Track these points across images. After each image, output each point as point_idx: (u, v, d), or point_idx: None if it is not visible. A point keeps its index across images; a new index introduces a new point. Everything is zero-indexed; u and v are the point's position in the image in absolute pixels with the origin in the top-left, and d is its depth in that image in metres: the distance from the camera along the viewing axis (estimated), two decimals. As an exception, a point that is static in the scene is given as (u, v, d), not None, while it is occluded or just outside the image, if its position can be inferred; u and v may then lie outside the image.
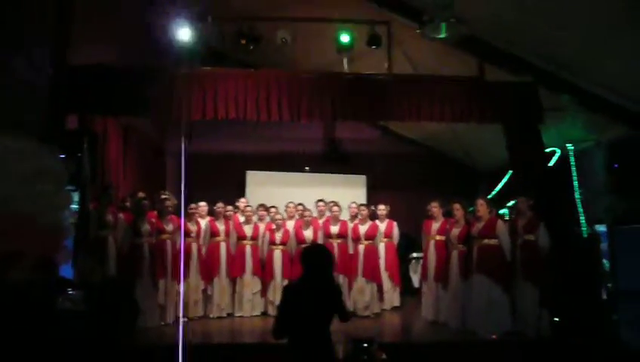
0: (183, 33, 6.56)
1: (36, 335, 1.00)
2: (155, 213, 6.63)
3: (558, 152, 7.80)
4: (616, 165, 7.08)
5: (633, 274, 6.96)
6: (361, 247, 7.17)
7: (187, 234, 6.87)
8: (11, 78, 5.08)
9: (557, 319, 5.78)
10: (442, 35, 4.95)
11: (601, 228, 7.58)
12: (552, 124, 6.69)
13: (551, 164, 7.42)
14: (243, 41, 6.80)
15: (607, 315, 6.19)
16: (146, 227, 6.29)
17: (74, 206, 5.77)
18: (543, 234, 5.92)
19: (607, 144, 7.37)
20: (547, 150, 7.10)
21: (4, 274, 0.93)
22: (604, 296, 6.50)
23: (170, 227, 6.63)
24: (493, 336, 5.65)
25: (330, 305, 3.34)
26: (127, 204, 6.74)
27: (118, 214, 6.33)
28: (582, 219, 7.20)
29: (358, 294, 7.07)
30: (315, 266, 3.31)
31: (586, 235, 7.06)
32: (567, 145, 7.60)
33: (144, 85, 6.24)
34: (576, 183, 7.42)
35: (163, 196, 6.88)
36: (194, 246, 6.91)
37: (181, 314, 6.17)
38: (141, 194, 6.84)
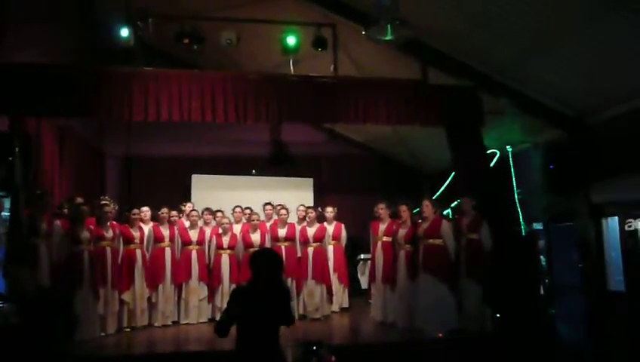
0: (123, 32, 6.32)
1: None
2: (94, 219, 6.34)
3: (498, 154, 8.10)
4: (551, 166, 7.43)
5: (566, 269, 7.34)
6: (310, 250, 7.16)
7: (130, 240, 6.63)
8: None
9: (498, 315, 5.98)
10: (387, 37, 5.00)
11: (537, 226, 7.95)
12: (493, 126, 6.93)
13: (491, 165, 7.68)
14: (186, 41, 6.63)
15: (544, 310, 6.48)
16: (86, 234, 6.00)
17: (5, 213, 5.43)
18: (485, 233, 6.12)
19: (543, 146, 7.72)
20: (488, 151, 7.35)
21: None
22: (542, 291, 6.80)
23: (110, 233, 6.36)
24: (440, 335, 5.77)
25: (279, 309, 3.29)
26: (65, 210, 6.41)
27: (54, 221, 6.00)
28: (520, 217, 7.50)
29: (308, 297, 7.05)
30: (265, 270, 3.26)
31: (524, 233, 7.36)
32: (507, 147, 7.91)
33: (81, 86, 5.96)
34: (515, 184, 7.73)
35: (102, 201, 6.60)
36: (138, 253, 6.66)
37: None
38: (79, 200, 6.54)
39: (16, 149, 5.67)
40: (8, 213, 5.40)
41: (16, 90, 5.76)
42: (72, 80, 5.96)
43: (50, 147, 7.18)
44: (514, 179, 7.79)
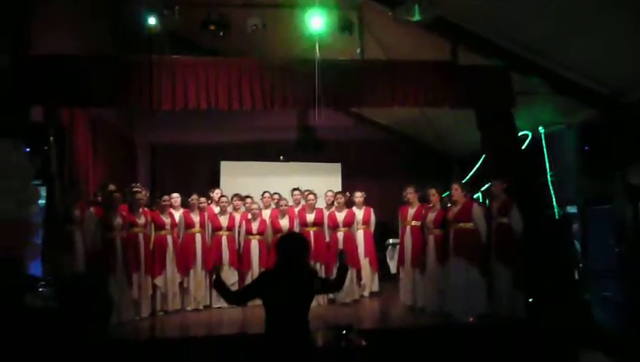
0: (150, 20, 6.37)
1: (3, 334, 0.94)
2: (126, 206, 6.47)
3: (530, 135, 7.90)
4: (586, 147, 7.21)
5: (602, 253, 7.16)
6: (340, 235, 7.16)
7: (161, 226, 6.75)
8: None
9: (531, 300, 5.89)
10: (415, 18, 4.90)
11: (572, 209, 7.76)
12: (524, 107, 6.76)
13: (523, 147, 7.50)
14: (212, 28, 6.64)
15: (579, 295, 6.34)
16: (118, 220, 6.13)
17: (42, 201, 5.60)
18: (516, 217, 6.00)
19: (577, 127, 7.49)
20: (519, 133, 7.18)
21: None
22: (577, 276, 6.65)
23: (142, 220, 6.48)
24: (470, 319, 5.72)
25: (307, 292, 3.30)
26: (99, 197, 6.56)
27: (88, 208, 6.16)
28: (554, 200, 7.32)
29: (338, 281, 7.06)
30: (290, 253, 3.28)
31: (558, 217, 7.19)
32: (539, 128, 7.70)
33: (111, 75, 6.06)
34: (547, 166, 7.54)
35: (134, 188, 6.73)
36: (169, 239, 6.78)
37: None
38: (112, 187, 6.67)
39: (51, 139, 5.82)
40: (45, 201, 5.56)
41: (49, 81, 5.90)
42: (101, 70, 6.08)
43: (83, 136, 7.34)
44: (547, 161, 7.60)
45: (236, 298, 3.34)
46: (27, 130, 5.72)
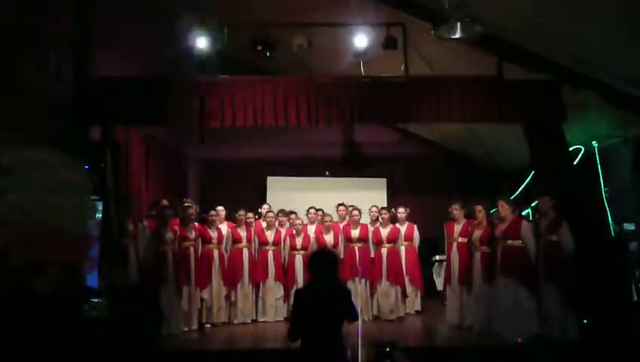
0: (200, 42, 6.62)
1: (60, 343, 1.02)
2: (178, 220, 6.70)
3: (583, 150, 7.64)
4: (644, 162, 6.91)
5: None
6: (384, 250, 7.13)
7: (208, 240, 6.92)
8: (36, 91, 5.21)
9: (585, 321, 5.66)
10: (457, 36, 4.88)
11: (629, 226, 7.41)
12: (576, 121, 6.55)
13: (575, 162, 7.26)
14: (259, 48, 6.83)
15: (637, 316, 6.04)
16: (169, 235, 6.35)
17: (98, 215, 5.87)
18: (566, 235, 5.79)
19: (634, 140, 7.19)
20: (571, 148, 6.96)
21: (29, 284, 0.95)
22: (635, 297, 6.34)
23: (193, 234, 6.69)
24: (519, 340, 5.55)
25: (338, 309, 3.32)
26: (153, 212, 6.82)
27: (142, 222, 6.41)
28: (609, 217, 7.03)
29: (383, 298, 7.02)
30: (320, 270, 3.32)
31: (613, 234, 6.90)
32: (592, 142, 7.44)
33: (164, 95, 6.33)
34: (602, 181, 7.26)
35: (185, 204, 6.95)
36: (215, 253, 6.95)
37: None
38: (164, 202, 6.92)
39: (108, 156, 6.12)
40: (100, 216, 5.82)
41: (108, 101, 6.21)
42: (154, 90, 6.35)
43: (138, 153, 7.67)
44: (601, 176, 7.32)
45: (297, 333, 3.34)
46: (86, 148, 6.04)
